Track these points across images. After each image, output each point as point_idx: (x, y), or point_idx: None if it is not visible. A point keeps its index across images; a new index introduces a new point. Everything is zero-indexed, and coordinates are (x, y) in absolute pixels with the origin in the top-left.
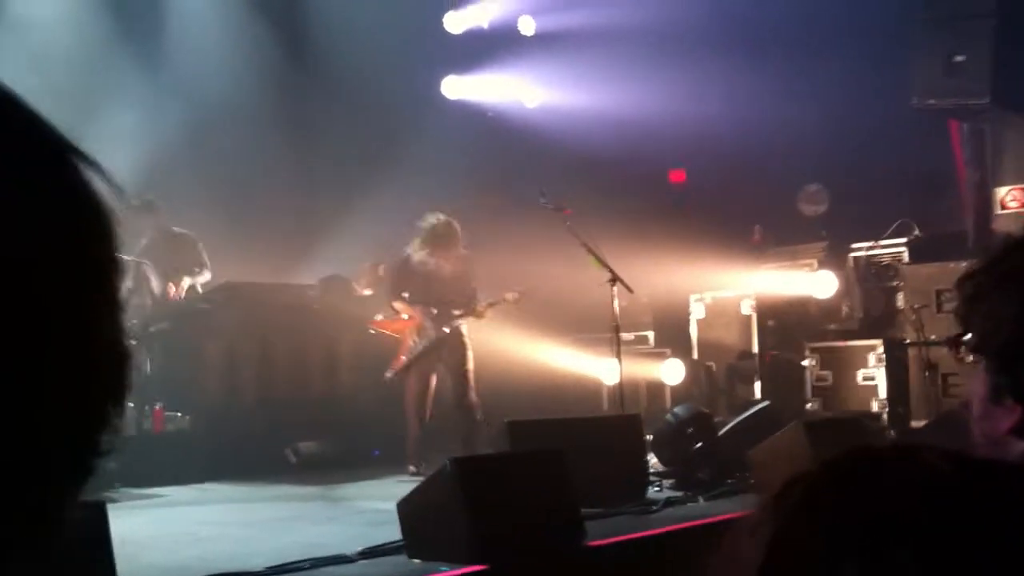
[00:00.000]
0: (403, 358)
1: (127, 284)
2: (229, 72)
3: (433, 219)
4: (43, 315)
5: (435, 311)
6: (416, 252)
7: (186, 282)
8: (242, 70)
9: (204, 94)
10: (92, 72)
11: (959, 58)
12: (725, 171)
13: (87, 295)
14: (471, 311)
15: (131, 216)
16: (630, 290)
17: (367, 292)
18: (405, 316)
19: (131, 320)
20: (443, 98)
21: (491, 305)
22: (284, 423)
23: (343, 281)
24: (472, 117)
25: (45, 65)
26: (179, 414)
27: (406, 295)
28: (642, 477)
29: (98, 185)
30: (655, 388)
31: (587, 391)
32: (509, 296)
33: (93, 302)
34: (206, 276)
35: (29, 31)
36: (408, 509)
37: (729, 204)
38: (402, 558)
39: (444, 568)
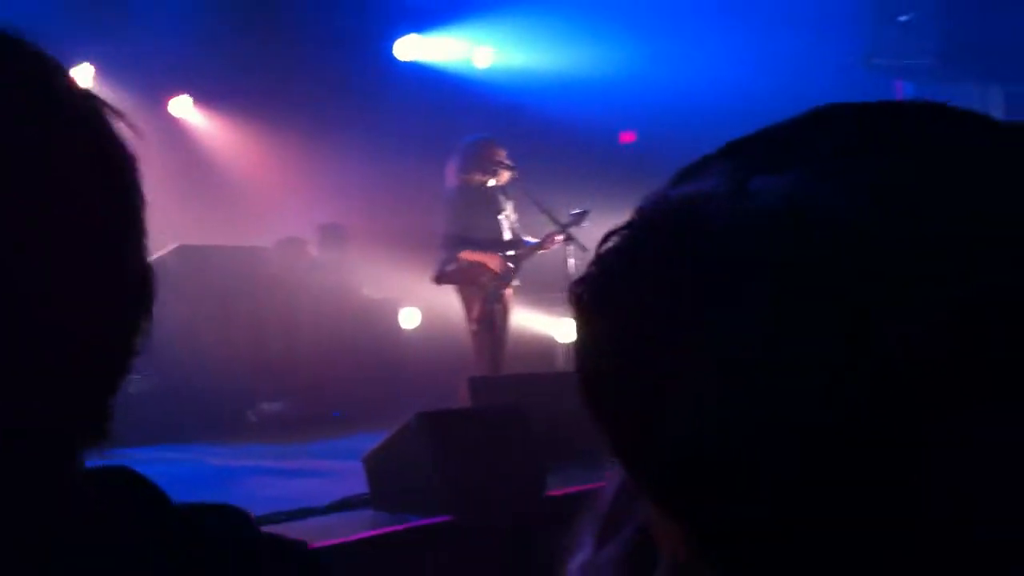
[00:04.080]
0: (484, 306)
1: None
2: (180, 33)
3: (475, 138)
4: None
5: (502, 254)
6: (469, 179)
7: None
8: (197, 30)
9: (156, 54)
10: (47, 33)
11: (904, 18)
12: (678, 132)
13: (122, 217)
14: (545, 244)
15: None
16: (584, 249)
17: (317, 255)
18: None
19: None
20: (395, 60)
21: (559, 235)
22: (244, 385)
23: (299, 243)
24: (424, 78)
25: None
26: (138, 376)
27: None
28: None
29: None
30: None
31: (542, 349)
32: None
33: (126, 224)
34: None
35: None
36: (375, 463)
37: (680, 164)
38: (369, 511)
39: (411, 519)
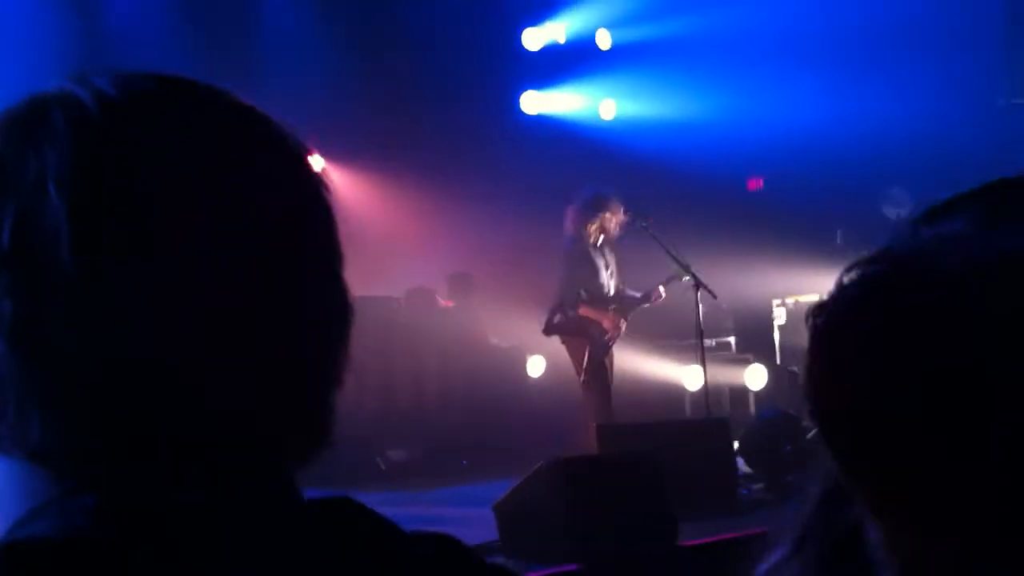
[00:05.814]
0: (592, 358)
1: None
2: (308, 91)
3: (593, 192)
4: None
5: (614, 307)
6: (588, 235)
7: None
8: (324, 88)
9: (285, 115)
10: None
11: None
12: (805, 175)
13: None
14: (651, 298)
15: None
16: (714, 296)
17: (446, 304)
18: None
19: None
20: (521, 113)
21: (667, 284)
22: (373, 432)
23: (428, 292)
24: (551, 131)
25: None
26: None
27: (584, 295)
28: (731, 480)
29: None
30: (738, 393)
31: (670, 397)
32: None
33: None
34: None
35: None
36: (505, 510)
37: (810, 208)
38: (501, 558)
39: (542, 566)
